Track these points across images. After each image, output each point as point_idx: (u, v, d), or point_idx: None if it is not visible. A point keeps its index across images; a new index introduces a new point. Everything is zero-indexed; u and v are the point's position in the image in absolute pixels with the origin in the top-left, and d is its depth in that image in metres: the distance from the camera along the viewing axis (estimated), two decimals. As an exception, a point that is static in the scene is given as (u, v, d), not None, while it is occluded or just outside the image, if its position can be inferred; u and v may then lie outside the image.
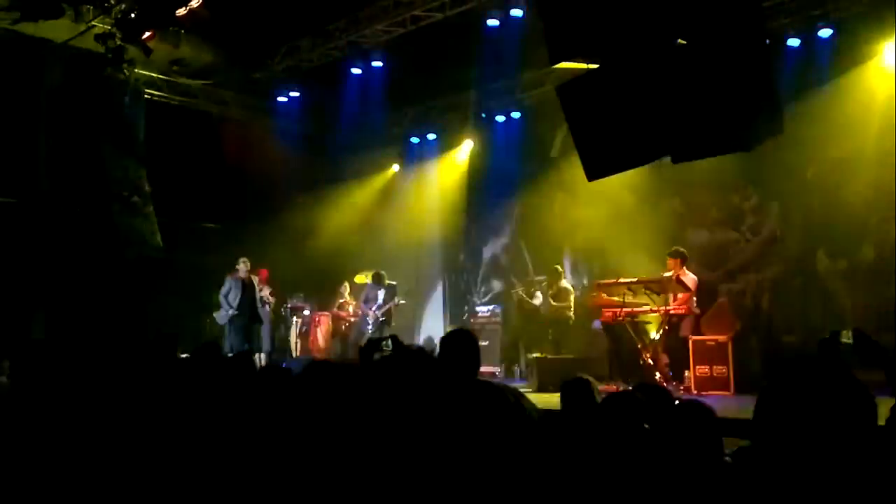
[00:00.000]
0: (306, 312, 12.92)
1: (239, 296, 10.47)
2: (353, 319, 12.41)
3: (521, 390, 3.67)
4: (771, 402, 1.53)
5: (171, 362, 4.38)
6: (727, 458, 2.84)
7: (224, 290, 10.53)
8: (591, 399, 3.41)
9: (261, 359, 10.60)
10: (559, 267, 11.14)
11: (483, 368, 4.59)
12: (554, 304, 10.66)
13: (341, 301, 12.68)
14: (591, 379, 3.51)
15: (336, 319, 12.71)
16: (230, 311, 10.41)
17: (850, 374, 1.54)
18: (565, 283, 10.85)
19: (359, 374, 3.51)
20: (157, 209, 10.65)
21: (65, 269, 9.79)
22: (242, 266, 10.62)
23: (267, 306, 11.47)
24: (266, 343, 11.38)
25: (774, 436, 1.51)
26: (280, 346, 12.47)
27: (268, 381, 3.28)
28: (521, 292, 11.35)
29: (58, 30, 9.46)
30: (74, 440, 3.00)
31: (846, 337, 2.63)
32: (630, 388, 7.89)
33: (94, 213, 10.08)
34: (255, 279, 10.83)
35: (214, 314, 10.70)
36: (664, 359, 8.72)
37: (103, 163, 10.24)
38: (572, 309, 10.67)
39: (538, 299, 11.14)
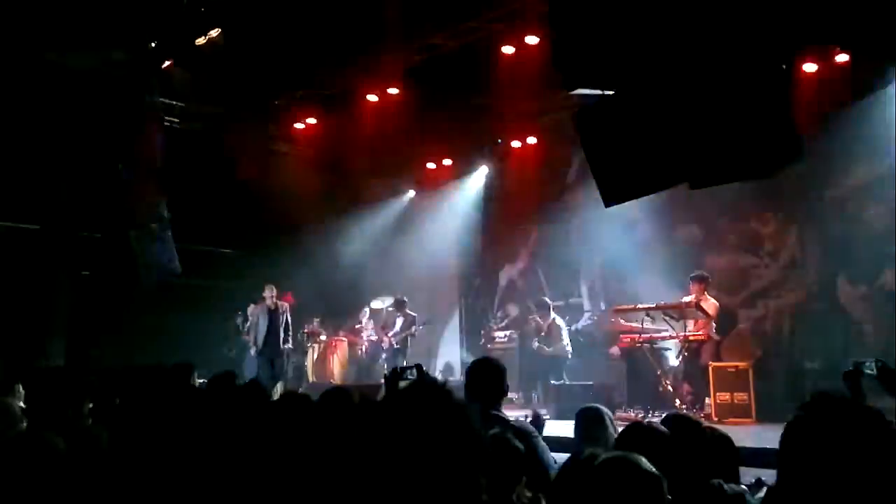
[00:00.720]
0: (322, 337, 12.91)
1: (266, 325, 10.33)
2: (366, 345, 12.38)
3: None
4: (796, 441, 1.50)
5: (186, 390, 4.37)
6: (744, 487, 2.79)
7: (251, 320, 10.41)
8: (605, 428, 3.36)
9: (281, 387, 10.51)
10: (546, 299, 10.97)
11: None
12: (546, 349, 10.44)
13: (357, 326, 12.67)
14: (601, 407, 3.45)
15: (352, 345, 12.69)
16: (258, 343, 10.28)
17: (877, 414, 1.50)
18: (556, 317, 10.67)
19: (382, 402, 3.49)
20: (175, 235, 10.72)
21: (84, 295, 9.87)
22: (268, 293, 10.52)
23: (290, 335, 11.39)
24: (288, 370, 11.28)
25: (800, 477, 1.47)
26: (295, 373, 12.45)
27: (286, 409, 3.27)
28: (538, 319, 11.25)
29: (79, 57, 9.62)
30: (88, 465, 2.99)
31: (869, 368, 2.59)
32: (649, 416, 7.83)
33: (113, 240, 10.17)
34: (282, 306, 10.71)
35: (245, 340, 10.54)
36: (686, 386, 8.61)
37: (123, 190, 10.34)
38: (567, 343, 10.51)
39: (535, 344, 11.06)
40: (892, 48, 7.94)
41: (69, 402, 3.67)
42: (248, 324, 10.46)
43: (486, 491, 1.64)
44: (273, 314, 10.46)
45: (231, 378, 3.75)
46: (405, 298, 11.70)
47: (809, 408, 1.52)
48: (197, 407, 3.41)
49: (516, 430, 3.06)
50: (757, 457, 3.98)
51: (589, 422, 3.47)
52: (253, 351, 10.42)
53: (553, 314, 10.68)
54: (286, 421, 3.15)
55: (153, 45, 9.37)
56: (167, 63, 9.61)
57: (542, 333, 10.63)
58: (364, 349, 12.52)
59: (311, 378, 12.44)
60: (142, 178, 10.30)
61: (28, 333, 9.54)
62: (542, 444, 3.39)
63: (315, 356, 12.80)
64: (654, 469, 1.80)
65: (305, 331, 12.77)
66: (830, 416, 1.50)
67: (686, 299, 8.93)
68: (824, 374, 8.77)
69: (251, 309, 10.64)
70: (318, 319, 13.08)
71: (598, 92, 4.43)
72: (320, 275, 12.62)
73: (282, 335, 10.59)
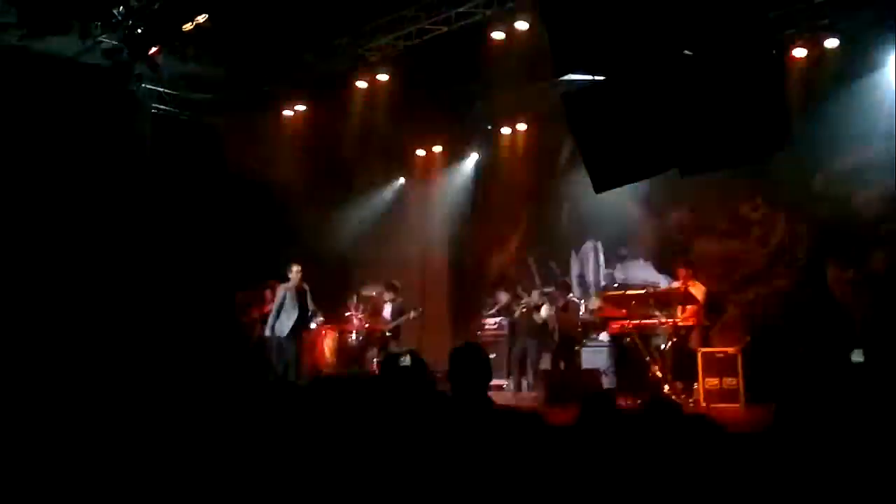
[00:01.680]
0: (312, 325, 12.88)
1: (297, 306, 10.07)
2: (356, 333, 12.37)
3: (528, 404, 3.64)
4: (790, 416, 1.51)
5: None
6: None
7: (277, 301, 10.16)
8: (614, 412, 3.34)
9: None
10: (567, 279, 11.11)
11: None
12: (563, 314, 10.59)
13: (347, 314, 12.65)
14: (610, 392, 3.43)
15: (342, 332, 12.66)
16: (282, 324, 9.99)
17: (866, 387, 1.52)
18: (573, 296, 10.81)
19: (378, 387, 3.49)
20: (162, 222, 10.65)
21: (66, 283, 9.79)
22: (295, 273, 10.26)
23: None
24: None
25: (793, 449, 1.49)
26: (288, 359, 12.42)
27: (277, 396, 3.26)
28: (528, 305, 11.29)
29: (64, 45, 9.51)
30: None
31: (857, 355, 2.61)
32: (639, 402, 7.87)
33: (98, 229, 10.10)
34: (307, 286, 10.39)
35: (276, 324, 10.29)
36: (675, 372, 8.66)
37: (109, 178, 10.27)
38: (579, 324, 10.64)
39: (545, 312, 11.08)
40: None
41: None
42: (276, 302, 10.20)
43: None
44: (301, 294, 10.23)
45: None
46: (397, 283, 11.65)
47: (802, 385, 1.54)
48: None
49: (505, 416, 3.06)
50: (747, 442, 4.00)
51: (598, 407, 3.43)
52: (268, 331, 10.25)
53: (570, 295, 10.78)
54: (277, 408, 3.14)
55: (139, 31, 9.26)
56: (154, 49, 9.50)
57: (560, 305, 10.74)
58: (354, 337, 12.50)
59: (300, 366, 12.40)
60: (129, 166, 10.19)
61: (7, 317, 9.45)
62: None
63: (306, 344, 12.76)
64: None
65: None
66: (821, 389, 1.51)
67: (674, 285, 8.97)
68: (812, 359, 8.84)
69: (278, 288, 10.41)
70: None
71: (589, 78, 4.42)
72: (310, 262, 12.57)
73: (310, 318, 10.38)
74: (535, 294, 11.35)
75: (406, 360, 3.72)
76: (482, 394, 3.29)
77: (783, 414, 1.54)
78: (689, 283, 8.75)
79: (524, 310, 11.23)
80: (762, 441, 1.62)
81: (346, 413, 2.82)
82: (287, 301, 10.13)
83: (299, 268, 10.32)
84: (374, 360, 11.59)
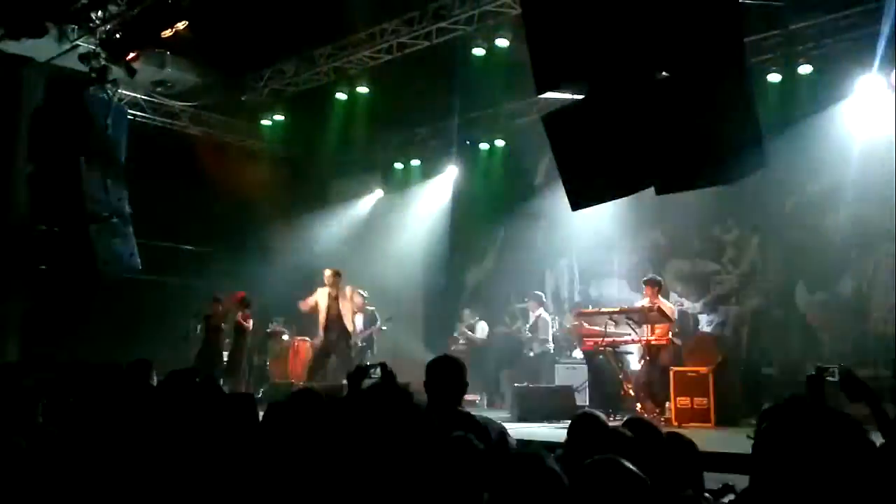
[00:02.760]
0: (285, 338, 12.76)
1: (336, 313, 10.03)
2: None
3: (501, 421, 3.62)
4: (770, 446, 1.51)
5: (145, 389, 4.29)
6: (707, 495, 2.81)
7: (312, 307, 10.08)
8: (604, 434, 3.31)
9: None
10: (543, 295, 11.13)
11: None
12: (530, 354, 10.66)
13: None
14: (600, 414, 3.38)
15: (315, 345, 12.55)
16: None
17: (850, 420, 1.52)
18: (543, 313, 10.79)
19: (346, 401, 3.46)
20: (137, 231, 10.51)
21: (41, 290, 9.64)
22: (328, 276, 10.20)
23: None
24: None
25: (775, 478, 1.48)
26: (257, 373, 12.29)
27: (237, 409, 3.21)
28: (464, 329, 11.44)
29: (40, 48, 9.40)
30: (43, 463, 2.92)
31: (832, 375, 2.63)
32: (611, 419, 7.88)
33: (72, 234, 9.95)
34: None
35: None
36: (647, 390, 8.68)
37: (83, 183, 10.12)
38: (550, 340, 10.65)
39: (480, 332, 11.19)
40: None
41: (22, 399, 3.58)
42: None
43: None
44: (334, 301, 10.09)
45: (191, 375, 3.67)
46: (364, 293, 11.56)
47: (780, 412, 1.53)
48: (154, 406, 3.34)
49: (481, 428, 3.04)
50: (718, 462, 4.02)
51: (587, 429, 3.39)
52: (317, 340, 10.13)
53: (541, 310, 10.77)
54: (239, 421, 3.10)
55: (117, 35, 9.18)
56: (132, 55, 9.42)
57: (528, 324, 10.76)
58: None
59: (272, 379, 12.27)
60: (103, 172, 10.09)
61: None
62: (511, 439, 3.37)
63: (277, 356, 12.64)
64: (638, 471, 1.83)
65: (269, 331, 12.61)
66: (804, 420, 1.51)
67: (640, 303, 9.02)
68: (782, 380, 8.94)
69: (312, 296, 10.28)
70: (282, 319, 12.92)
71: (569, 96, 4.45)
72: (285, 274, 12.48)
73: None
74: (466, 313, 11.54)
75: (376, 373, 3.69)
76: (455, 405, 3.28)
77: (768, 435, 1.54)
78: (655, 301, 8.79)
79: (464, 333, 11.37)
80: (747, 462, 1.63)
81: (319, 426, 2.78)
82: (324, 308, 10.07)
83: (331, 271, 10.26)
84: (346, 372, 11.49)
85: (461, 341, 11.70)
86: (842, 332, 9.23)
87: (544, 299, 11.09)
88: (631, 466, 1.88)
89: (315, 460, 2.65)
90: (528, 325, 10.88)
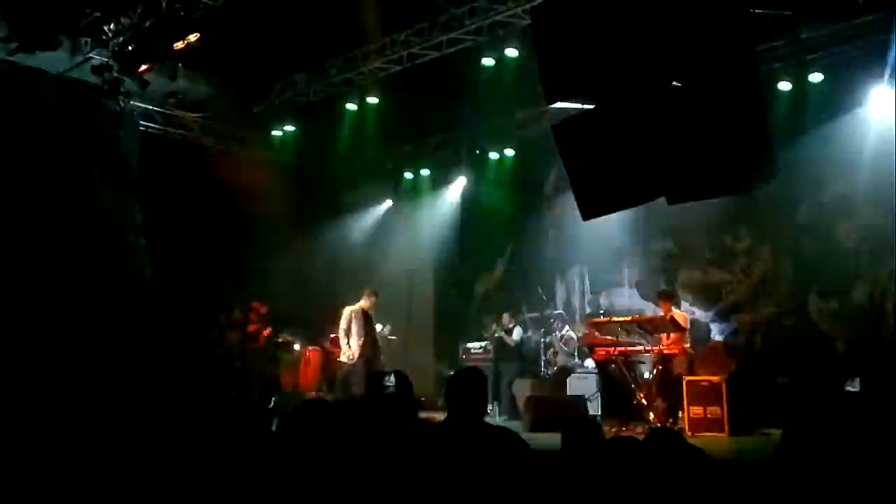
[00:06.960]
0: (297, 347, 12.78)
1: (371, 331, 9.73)
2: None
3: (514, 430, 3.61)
4: (795, 448, 1.50)
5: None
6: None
7: (343, 326, 9.75)
8: (598, 441, 3.31)
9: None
10: (564, 313, 11.23)
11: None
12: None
13: (333, 336, 12.54)
14: (595, 419, 3.42)
15: (327, 355, 12.55)
16: (355, 352, 9.60)
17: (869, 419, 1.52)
18: (569, 330, 10.93)
19: (363, 408, 3.46)
20: (150, 242, 10.58)
21: (52, 302, 9.68)
22: (366, 296, 9.91)
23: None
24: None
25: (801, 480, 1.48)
26: (269, 382, 12.29)
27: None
28: (499, 330, 11.39)
29: (54, 61, 9.48)
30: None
31: (851, 385, 2.62)
32: (624, 429, 7.85)
33: (84, 246, 10.01)
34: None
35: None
36: (659, 399, 8.64)
37: (96, 195, 10.20)
38: (576, 356, 10.74)
39: (517, 335, 11.13)
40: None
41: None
42: (342, 326, 9.83)
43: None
44: (369, 319, 9.84)
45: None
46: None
47: (804, 418, 1.54)
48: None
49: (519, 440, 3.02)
50: (733, 470, 4.01)
51: (581, 434, 3.41)
52: (346, 357, 9.81)
53: (567, 327, 10.82)
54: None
55: (130, 48, 9.25)
56: (144, 67, 9.50)
57: (561, 342, 10.89)
58: (338, 359, 12.38)
59: (283, 389, 12.28)
60: (116, 183, 10.18)
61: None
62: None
63: (288, 366, 12.64)
64: None
65: (280, 341, 12.63)
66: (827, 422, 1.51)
67: (658, 314, 9.02)
68: (795, 389, 8.87)
69: (347, 313, 9.95)
70: (293, 329, 12.94)
71: (578, 105, 4.46)
72: (296, 283, 12.52)
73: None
74: (506, 316, 11.35)
75: (390, 380, 3.69)
76: (479, 417, 3.25)
77: (788, 445, 1.53)
78: (669, 313, 8.79)
79: (496, 334, 11.28)
80: (766, 471, 1.62)
81: (332, 437, 2.78)
82: (357, 327, 9.74)
83: (369, 290, 10.02)
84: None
85: (495, 336, 11.53)
86: (855, 341, 9.16)
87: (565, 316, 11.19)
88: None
89: (328, 471, 2.65)
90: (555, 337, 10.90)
